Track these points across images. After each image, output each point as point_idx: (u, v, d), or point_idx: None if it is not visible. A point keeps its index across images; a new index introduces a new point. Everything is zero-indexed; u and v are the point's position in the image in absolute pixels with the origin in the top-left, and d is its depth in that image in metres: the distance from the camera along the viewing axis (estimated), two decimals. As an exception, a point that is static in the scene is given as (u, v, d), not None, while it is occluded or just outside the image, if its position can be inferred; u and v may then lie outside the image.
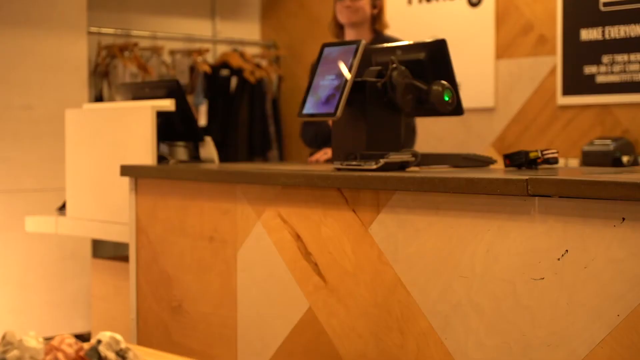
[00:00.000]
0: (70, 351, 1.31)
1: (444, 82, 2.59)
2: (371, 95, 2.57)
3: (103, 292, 3.62)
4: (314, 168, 2.79)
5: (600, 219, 1.86)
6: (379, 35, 3.92)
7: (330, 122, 3.71)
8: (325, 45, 2.65)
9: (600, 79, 4.42)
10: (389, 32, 4.05)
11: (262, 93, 6.01)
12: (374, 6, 3.93)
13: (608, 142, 4.21)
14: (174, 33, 5.92)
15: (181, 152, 3.37)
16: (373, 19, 3.94)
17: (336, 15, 3.96)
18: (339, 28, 3.99)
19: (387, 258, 2.28)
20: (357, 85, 2.54)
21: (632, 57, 4.30)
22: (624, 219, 1.82)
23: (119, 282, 3.46)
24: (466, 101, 2.96)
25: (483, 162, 2.75)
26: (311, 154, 3.97)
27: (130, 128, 3.26)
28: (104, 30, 5.55)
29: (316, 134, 3.93)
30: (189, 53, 5.88)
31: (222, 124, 5.89)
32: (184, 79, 5.80)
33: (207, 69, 5.82)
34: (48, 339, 1.37)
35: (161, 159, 3.24)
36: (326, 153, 3.71)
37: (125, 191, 3.11)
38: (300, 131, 4.11)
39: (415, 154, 2.53)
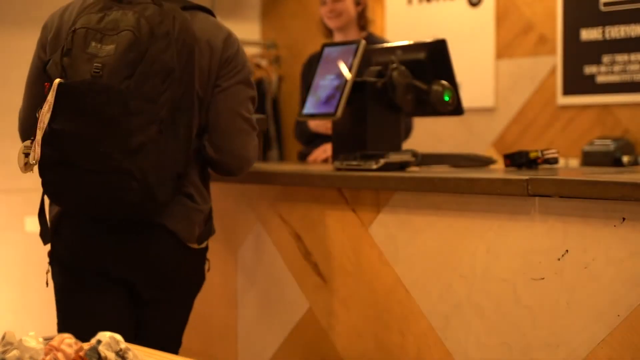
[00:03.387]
0: (70, 351, 1.31)
1: (444, 82, 2.59)
2: (371, 95, 2.57)
3: (103, 292, 3.60)
4: (313, 168, 2.79)
5: (600, 219, 1.86)
6: (369, 36, 3.90)
7: (310, 123, 3.74)
8: (325, 45, 2.65)
9: (600, 79, 4.41)
10: (389, 31, 4.00)
11: (261, 93, 6.01)
12: (357, 3, 3.90)
13: (608, 142, 4.20)
14: (174, 33, 5.90)
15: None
16: (359, 16, 3.91)
17: (323, 20, 3.96)
18: (328, 30, 3.99)
19: (387, 258, 2.27)
20: (357, 85, 2.54)
21: (633, 57, 4.30)
22: (624, 219, 1.82)
23: (119, 282, 3.45)
24: (466, 101, 2.96)
25: (483, 162, 2.75)
26: (300, 151, 3.98)
27: (130, 128, 3.25)
28: (104, 30, 5.54)
29: (300, 134, 3.94)
30: (189, 53, 5.86)
31: (222, 124, 5.88)
32: (184, 79, 5.78)
33: (207, 69, 5.82)
34: (48, 339, 1.36)
35: (161, 159, 3.23)
36: (325, 151, 3.69)
37: (125, 191, 3.10)
38: (293, 131, 4.13)
39: (415, 154, 2.53)
